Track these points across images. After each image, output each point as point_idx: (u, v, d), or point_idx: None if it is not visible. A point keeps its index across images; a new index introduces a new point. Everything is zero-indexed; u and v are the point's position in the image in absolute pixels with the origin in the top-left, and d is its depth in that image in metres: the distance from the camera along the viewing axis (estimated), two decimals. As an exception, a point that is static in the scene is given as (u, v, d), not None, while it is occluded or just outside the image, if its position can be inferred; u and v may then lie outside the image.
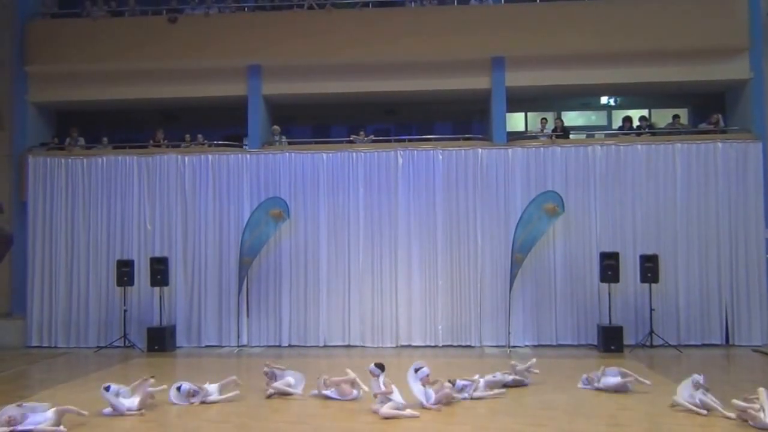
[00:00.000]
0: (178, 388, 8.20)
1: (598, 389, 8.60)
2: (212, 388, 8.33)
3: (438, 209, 13.12)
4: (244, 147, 14.08)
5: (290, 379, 8.66)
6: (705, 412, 7.27)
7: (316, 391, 8.48)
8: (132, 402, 7.74)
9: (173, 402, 8.13)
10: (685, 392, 7.59)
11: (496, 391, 8.47)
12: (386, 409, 7.45)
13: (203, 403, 8.14)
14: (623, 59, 13.32)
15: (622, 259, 12.44)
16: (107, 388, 7.66)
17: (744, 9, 13.17)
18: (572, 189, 12.94)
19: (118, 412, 7.59)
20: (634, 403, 7.97)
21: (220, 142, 14.34)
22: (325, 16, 13.88)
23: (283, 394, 8.50)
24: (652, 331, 12.26)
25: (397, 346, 12.89)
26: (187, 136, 14.12)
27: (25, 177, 13.77)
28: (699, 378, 7.58)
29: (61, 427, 6.97)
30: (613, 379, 8.55)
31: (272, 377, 8.63)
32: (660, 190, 12.89)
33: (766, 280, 12.71)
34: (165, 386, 8.26)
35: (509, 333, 12.51)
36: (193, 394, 8.17)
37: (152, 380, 8.11)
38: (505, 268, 12.65)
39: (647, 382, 8.54)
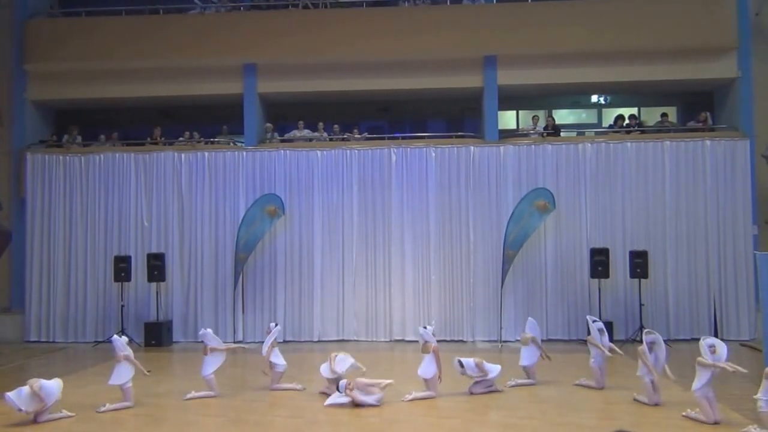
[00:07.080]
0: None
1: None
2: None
3: (431, 206, 13.30)
4: (239, 144, 14.24)
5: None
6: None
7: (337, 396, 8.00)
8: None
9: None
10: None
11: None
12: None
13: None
14: (614, 58, 13.46)
15: (612, 255, 12.63)
16: None
17: (732, 9, 13.31)
18: (563, 186, 13.12)
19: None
20: (623, 397, 8.06)
21: (215, 139, 14.51)
22: (320, 15, 14.05)
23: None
24: (641, 326, 12.36)
25: (390, 341, 13.08)
26: (187, 133, 14.27)
27: (23, 174, 13.93)
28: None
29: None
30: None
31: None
32: (649, 187, 13.07)
33: (754, 275, 12.79)
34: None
35: (501, 328, 12.69)
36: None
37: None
38: (497, 264, 12.83)
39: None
